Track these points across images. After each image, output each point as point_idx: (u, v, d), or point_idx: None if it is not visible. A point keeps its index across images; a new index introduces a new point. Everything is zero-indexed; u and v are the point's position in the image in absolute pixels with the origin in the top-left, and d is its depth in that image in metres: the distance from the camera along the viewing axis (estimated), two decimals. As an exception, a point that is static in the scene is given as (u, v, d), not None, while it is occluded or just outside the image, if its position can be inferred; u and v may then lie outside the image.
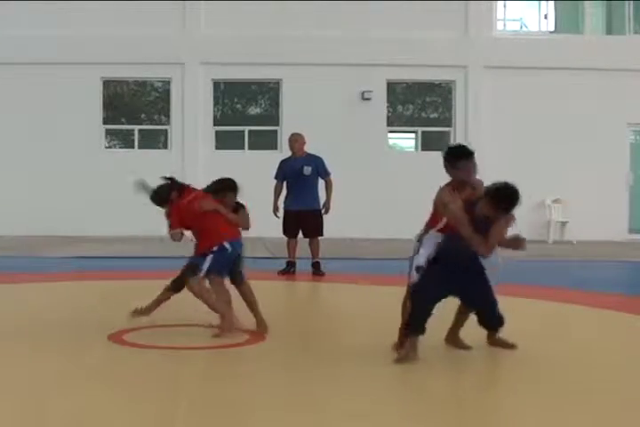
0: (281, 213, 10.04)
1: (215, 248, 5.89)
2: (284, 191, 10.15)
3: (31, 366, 5.00)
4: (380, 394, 4.45)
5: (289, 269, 10.04)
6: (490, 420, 4.04)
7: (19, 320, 6.60)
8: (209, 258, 5.87)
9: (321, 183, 10.10)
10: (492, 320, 5.22)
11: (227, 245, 5.92)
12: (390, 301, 8.08)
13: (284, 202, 10.10)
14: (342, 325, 6.58)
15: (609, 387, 4.55)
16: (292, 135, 10.34)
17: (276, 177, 10.13)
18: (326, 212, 10.02)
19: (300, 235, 10.10)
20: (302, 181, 9.90)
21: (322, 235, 10.10)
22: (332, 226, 16.28)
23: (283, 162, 10.24)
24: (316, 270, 10.00)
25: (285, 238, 10.14)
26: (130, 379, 4.76)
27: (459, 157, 5.26)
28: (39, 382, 4.63)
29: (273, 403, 4.27)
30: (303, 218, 9.92)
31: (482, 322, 5.26)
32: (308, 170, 9.93)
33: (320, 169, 10.01)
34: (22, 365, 5.05)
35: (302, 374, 4.96)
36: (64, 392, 4.42)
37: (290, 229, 10.03)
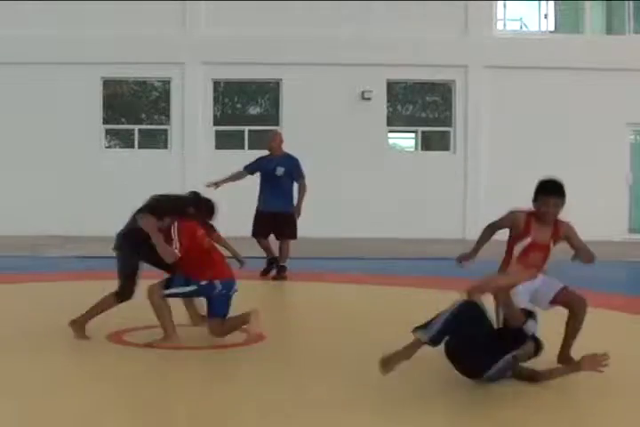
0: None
1: (204, 282, 5.64)
2: (257, 191, 9.75)
3: (31, 366, 5.00)
4: (380, 394, 4.45)
5: (271, 267, 9.66)
6: (488, 420, 4.05)
7: (19, 320, 6.61)
8: (190, 287, 5.65)
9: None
10: None
11: (218, 284, 5.66)
12: (390, 300, 8.09)
13: (258, 201, 9.70)
14: (341, 324, 6.58)
15: (611, 387, 4.55)
16: (271, 133, 10.02)
17: (245, 167, 9.78)
18: (297, 216, 9.62)
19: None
20: (275, 182, 9.50)
21: (295, 238, 9.73)
22: (331, 225, 16.32)
23: (260, 158, 9.85)
24: (280, 274, 9.56)
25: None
26: (130, 379, 4.77)
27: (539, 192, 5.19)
28: (39, 381, 4.63)
29: (272, 403, 4.27)
30: (276, 221, 9.51)
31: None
32: (280, 171, 9.50)
33: (294, 171, 9.59)
34: (22, 365, 5.05)
35: (301, 374, 4.96)
36: (64, 392, 4.42)
37: (261, 230, 9.56)
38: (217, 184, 9.40)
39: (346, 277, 9.84)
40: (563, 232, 5.22)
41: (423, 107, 18.01)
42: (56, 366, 5.05)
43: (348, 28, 16.08)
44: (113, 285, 5.91)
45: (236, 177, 9.75)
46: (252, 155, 16.55)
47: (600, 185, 16.20)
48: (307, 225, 15.77)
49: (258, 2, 16.12)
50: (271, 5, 16.11)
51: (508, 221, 5.25)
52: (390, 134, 17.54)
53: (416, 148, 17.43)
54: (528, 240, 5.15)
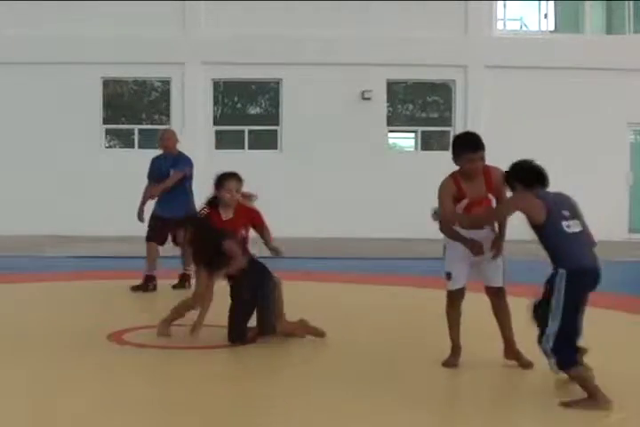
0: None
1: None
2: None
3: (31, 366, 5.00)
4: (379, 394, 4.45)
5: (147, 286, 8.30)
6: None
7: (19, 320, 6.61)
8: None
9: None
10: None
11: None
12: (389, 300, 8.10)
13: (155, 205, 8.83)
14: (342, 324, 6.58)
15: (612, 387, 4.54)
16: (164, 132, 9.28)
17: (147, 176, 8.96)
18: (153, 193, 8.68)
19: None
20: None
21: None
22: (332, 225, 16.31)
23: (153, 160, 9.00)
24: (182, 283, 8.47)
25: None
26: (130, 379, 4.77)
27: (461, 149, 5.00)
28: (39, 381, 4.63)
29: (273, 402, 4.27)
30: (174, 226, 8.27)
31: None
32: (172, 173, 8.70)
33: (179, 167, 8.73)
34: (22, 365, 5.05)
35: (302, 373, 4.96)
36: (64, 392, 4.43)
37: (157, 236, 8.56)
38: (141, 215, 8.89)
39: (346, 277, 9.83)
40: (495, 178, 5.05)
41: (423, 107, 18.02)
42: (56, 365, 5.04)
43: (347, 28, 16.09)
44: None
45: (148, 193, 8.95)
46: (251, 155, 16.82)
47: (600, 185, 16.19)
48: (306, 225, 15.92)
49: (258, 2, 16.13)
50: (271, 5, 16.12)
51: (447, 192, 5.07)
52: (390, 134, 17.55)
53: (416, 148, 17.44)
54: (465, 201, 5.05)
